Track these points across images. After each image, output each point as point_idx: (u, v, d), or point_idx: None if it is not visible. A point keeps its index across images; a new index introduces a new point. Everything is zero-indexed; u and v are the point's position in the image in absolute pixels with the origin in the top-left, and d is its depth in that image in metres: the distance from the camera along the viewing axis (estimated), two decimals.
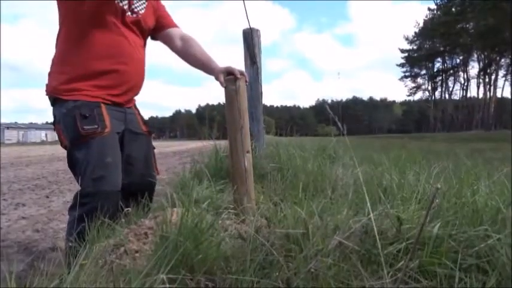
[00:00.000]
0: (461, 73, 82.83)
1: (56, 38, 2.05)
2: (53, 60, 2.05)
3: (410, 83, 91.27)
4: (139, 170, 2.24)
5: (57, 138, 2.07)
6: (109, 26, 2.02)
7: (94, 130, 1.92)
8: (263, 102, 3.60)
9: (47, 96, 2.06)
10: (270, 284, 1.13)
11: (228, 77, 2.00)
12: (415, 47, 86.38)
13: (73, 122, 1.91)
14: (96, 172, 1.89)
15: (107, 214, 1.78)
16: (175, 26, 2.36)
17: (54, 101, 2.01)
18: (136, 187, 2.19)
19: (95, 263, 1.32)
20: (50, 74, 2.06)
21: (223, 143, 3.07)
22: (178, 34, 2.34)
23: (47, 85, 2.05)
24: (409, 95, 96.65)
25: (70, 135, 1.93)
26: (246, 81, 2.05)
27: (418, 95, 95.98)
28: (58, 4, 2.00)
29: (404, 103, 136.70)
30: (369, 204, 1.11)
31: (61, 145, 2.03)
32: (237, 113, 1.93)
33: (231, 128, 1.94)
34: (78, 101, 1.94)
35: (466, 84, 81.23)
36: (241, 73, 2.03)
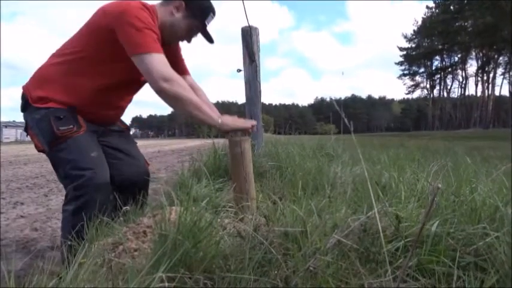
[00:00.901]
0: (459, 71, 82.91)
1: (66, 46, 2.04)
2: (50, 64, 2.04)
3: (408, 81, 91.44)
4: (130, 162, 2.29)
5: None
6: (122, 82, 2.12)
7: (70, 129, 1.94)
8: (262, 100, 3.60)
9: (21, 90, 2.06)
10: (268, 283, 1.13)
11: (233, 137, 1.94)
12: (413, 45, 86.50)
13: (48, 125, 1.92)
14: (84, 166, 1.90)
15: (100, 206, 1.83)
16: (187, 73, 2.42)
17: (26, 104, 2.01)
18: (131, 179, 2.22)
19: (94, 261, 1.32)
20: (39, 73, 2.06)
21: (221, 142, 3.07)
22: (188, 83, 2.35)
23: (29, 84, 2.04)
24: (407, 93, 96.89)
25: (47, 138, 1.93)
26: (251, 129, 2.04)
27: (417, 93, 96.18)
28: (85, 37, 2.01)
29: (403, 101, 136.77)
30: (373, 201, 1.11)
31: (37, 149, 2.03)
32: (244, 181, 1.89)
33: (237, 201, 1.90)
34: (51, 108, 1.95)
35: (464, 82, 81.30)
36: (247, 129, 2.02)
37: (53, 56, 2.07)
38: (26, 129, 2.05)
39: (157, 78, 1.82)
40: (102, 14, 1.95)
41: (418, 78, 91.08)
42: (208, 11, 2.17)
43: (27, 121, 2.01)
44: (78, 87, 1.99)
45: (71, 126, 1.94)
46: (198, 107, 1.89)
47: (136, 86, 2.24)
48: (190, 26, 2.14)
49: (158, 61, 1.84)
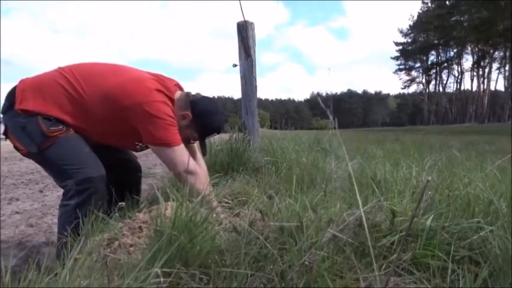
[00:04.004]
0: (455, 66, 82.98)
1: (79, 82, 1.99)
2: (58, 82, 1.99)
3: (404, 76, 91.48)
4: (122, 158, 2.35)
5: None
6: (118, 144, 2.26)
7: (60, 130, 1.94)
8: (258, 95, 3.59)
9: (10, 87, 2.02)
10: (264, 277, 1.13)
11: None
12: (409, 40, 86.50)
13: (37, 126, 1.90)
14: (81, 162, 1.92)
15: (102, 200, 1.90)
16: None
17: (10, 107, 1.96)
18: (124, 175, 2.24)
19: (90, 257, 1.32)
20: (40, 85, 2.00)
21: (217, 137, 3.06)
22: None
23: (27, 90, 1.98)
24: (403, 88, 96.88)
25: (37, 140, 1.92)
26: None
27: (413, 88, 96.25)
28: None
29: (399, 96, 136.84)
30: (358, 196, 1.11)
31: (20, 153, 2.01)
32: None
33: None
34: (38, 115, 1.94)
35: (460, 77, 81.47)
36: None
37: (62, 75, 2.01)
38: (5, 133, 2.01)
39: (182, 171, 1.96)
40: (123, 92, 1.96)
41: (414, 73, 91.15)
42: (212, 132, 2.20)
43: (8, 125, 1.97)
44: (77, 119, 2.00)
45: (60, 127, 1.94)
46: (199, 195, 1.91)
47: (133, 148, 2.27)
48: (190, 136, 2.16)
49: (180, 154, 1.98)
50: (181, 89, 2.19)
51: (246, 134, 3.27)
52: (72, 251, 1.26)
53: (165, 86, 2.03)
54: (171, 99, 2.04)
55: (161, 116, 1.93)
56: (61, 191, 1.98)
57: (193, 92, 2.18)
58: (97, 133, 2.05)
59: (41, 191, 5.05)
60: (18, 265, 2.15)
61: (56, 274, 1.14)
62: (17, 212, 3.84)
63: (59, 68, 2.06)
